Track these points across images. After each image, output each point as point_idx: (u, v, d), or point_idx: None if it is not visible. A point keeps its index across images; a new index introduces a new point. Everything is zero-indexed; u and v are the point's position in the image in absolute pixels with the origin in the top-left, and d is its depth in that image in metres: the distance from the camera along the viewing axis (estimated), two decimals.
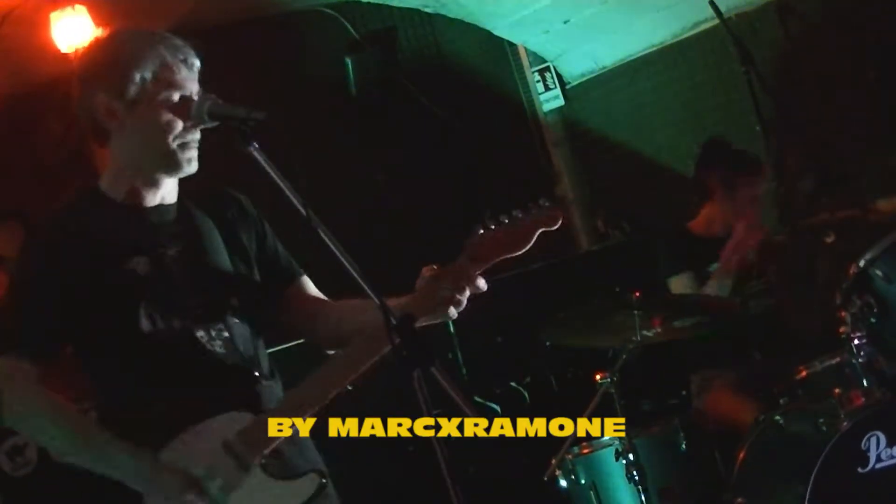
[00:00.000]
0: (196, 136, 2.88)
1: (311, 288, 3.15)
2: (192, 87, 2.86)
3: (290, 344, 3.99)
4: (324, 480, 2.87)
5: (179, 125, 2.84)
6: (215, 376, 2.87)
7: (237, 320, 2.94)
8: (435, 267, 2.90)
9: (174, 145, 2.85)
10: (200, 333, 2.88)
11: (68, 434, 2.82)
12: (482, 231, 2.88)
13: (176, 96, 2.83)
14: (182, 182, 2.99)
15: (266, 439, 2.81)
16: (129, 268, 2.85)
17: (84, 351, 2.91)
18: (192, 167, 2.92)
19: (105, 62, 2.87)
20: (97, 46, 2.95)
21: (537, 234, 2.91)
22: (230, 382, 2.88)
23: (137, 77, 2.81)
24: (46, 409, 2.82)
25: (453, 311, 2.86)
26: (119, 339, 2.85)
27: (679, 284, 5.29)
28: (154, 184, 2.93)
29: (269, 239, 3.11)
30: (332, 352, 3.03)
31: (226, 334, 2.91)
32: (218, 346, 2.89)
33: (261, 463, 2.80)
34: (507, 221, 2.90)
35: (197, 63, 2.89)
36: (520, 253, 2.92)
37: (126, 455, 2.77)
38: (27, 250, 2.94)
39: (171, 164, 2.89)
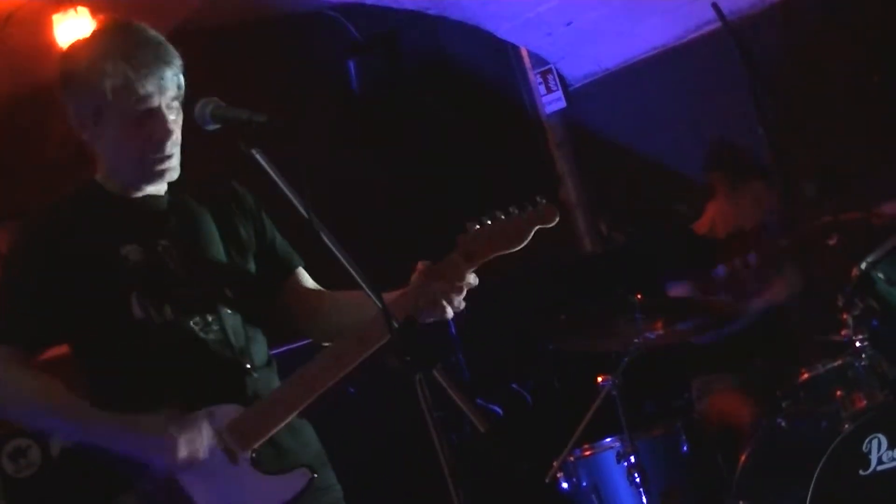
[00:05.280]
0: (168, 148, 2.86)
1: (308, 280, 3.13)
2: (161, 98, 2.82)
3: (296, 345, 3.97)
4: (314, 476, 2.85)
5: (147, 139, 2.83)
6: (206, 367, 2.86)
7: (230, 311, 2.92)
8: (429, 263, 2.87)
9: (145, 159, 2.86)
10: (193, 323, 2.86)
11: (58, 412, 2.83)
12: (476, 227, 2.88)
13: (141, 109, 2.80)
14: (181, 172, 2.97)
15: (256, 432, 2.80)
16: (120, 255, 2.85)
17: (77, 341, 2.91)
18: (168, 176, 2.91)
19: (73, 74, 2.85)
20: (71, 54, 2.92)
21: (533, 231, 2.90)
22: (221, 373, 2.87)
23: (98, 97, 2.80)
24: (38, 389, 2.82)
25: (450, 311, 2.83)
26: (111, 328, 2.85)
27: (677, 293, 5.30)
28: (137, 187, 2.93)
29: (268, 230, 3.09)
30: (326, 344, 2.99)
31: (218, 325, 2.89)
32: (210, 337, 2.87)
33: (251, 456, 2.80)
34: (502, 217, 2.89)
35: (168, 74, 2.82)
36: (515, 250, 2.90)
37: (119, 424, 2.77)
38: (20, 240, 2.94)
39: (144, 175, 2.90)
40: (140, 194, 2.94)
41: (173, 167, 2.90)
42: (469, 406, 2.53)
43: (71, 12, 5.63)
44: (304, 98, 6.84)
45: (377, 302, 2.52)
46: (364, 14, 7.17)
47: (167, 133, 2.84)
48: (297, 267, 3.12)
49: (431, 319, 2.86)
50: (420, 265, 2.88)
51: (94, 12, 5.62)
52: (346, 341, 2.83)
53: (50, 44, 5.66)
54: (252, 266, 3.04)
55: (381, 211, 6.86)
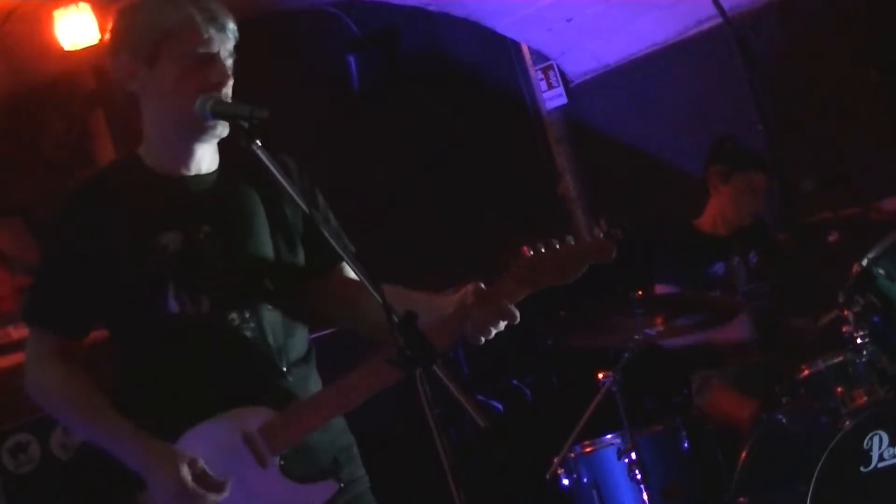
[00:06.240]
0: (224, 95, 2.78)
1: (351, 273, 2.94)
2: (221, 47, 2.79)
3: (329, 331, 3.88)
4: (341, 486, 2.81)
5: (204, 80, 2.75)
6: (239, 365, 2.77)
7: (269, 305, 2.82)
8: (480, 285, 2.76)
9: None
10: (230, 317, 2.77)
11: (79, 414, 2.81)
12: (531, 254, 2.76)
13: (201, 52, 2.75)
14: (227, 149, 2.89)
15: (287, 437, 2.75)
16: (161, 244, 2.76)
17: (111, 329, 2.86)
18: (220, 129, 2.80)
19: (128, 24, 2.80)
20: (124, 10, 2.85)
21: (587, 264, 2.81)
22: (253, 373, 2.78)
23: (158, 34, 2.74)
24: (64, 385, 2.80)
25: (482, 339, 2.74)
26: (144, 319, 2.78)
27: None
28: (187, 151, 2.83)
29: (320, 212, 2.93)
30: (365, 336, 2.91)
31: (255, 321, 2.79)
32: (247, 333, 2.78)
33: (279, 463, 2.75)
34: (556, 247, 2.77)
35: (229, 24, 2.81)
36: (568, 282, 2.79)
37: (131, 443, 2.73)
38: (58, 220, 2.87)
39: (196, 123, 2.78)
40: (186, 172, 2.84)
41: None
42: (469, 402, 2.51)
43: (72, 8, 5.62)
44: (305, 94, 6.83)
45: (377, 297, 2.49)
46: (364, 10, 7.17)
47: (225, 76, 2.78)
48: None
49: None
50: (472, 286, 2.77)
51: (95, 8, 5.61)
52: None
53: (50, 41, 5.66)
54: (299, 253, 2.92)
55: (380, 206, 6.85)
